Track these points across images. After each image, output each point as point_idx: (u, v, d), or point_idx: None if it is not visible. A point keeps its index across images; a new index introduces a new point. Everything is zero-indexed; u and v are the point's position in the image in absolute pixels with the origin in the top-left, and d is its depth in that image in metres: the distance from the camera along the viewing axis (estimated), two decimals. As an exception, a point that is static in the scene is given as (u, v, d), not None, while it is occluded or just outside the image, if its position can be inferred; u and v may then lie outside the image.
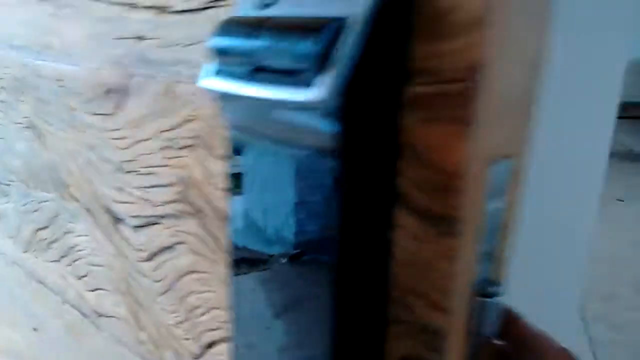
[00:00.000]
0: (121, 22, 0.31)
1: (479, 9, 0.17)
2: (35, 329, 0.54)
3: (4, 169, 0.49)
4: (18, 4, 0.40)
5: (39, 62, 0.39)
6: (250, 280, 0.23)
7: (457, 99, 0.18)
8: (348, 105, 0.17)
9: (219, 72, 0.19)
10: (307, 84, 0.16)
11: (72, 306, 0.45)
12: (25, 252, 0.50)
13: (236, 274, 0.23)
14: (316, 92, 0.16)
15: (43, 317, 0.51)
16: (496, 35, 0.17)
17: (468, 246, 0.20)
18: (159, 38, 0.28)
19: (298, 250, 0.21)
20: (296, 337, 0.22)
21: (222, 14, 0.24)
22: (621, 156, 4.31)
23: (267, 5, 0.19)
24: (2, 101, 0.46)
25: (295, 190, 0.19)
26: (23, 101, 0.43)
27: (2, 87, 0.45)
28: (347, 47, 0.16)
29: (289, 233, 0.21)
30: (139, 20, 0.29)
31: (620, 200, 3.41)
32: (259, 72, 0.18)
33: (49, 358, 0.53)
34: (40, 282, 0.49)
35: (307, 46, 0.16)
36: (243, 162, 0.21)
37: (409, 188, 0.20)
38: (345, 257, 0.20)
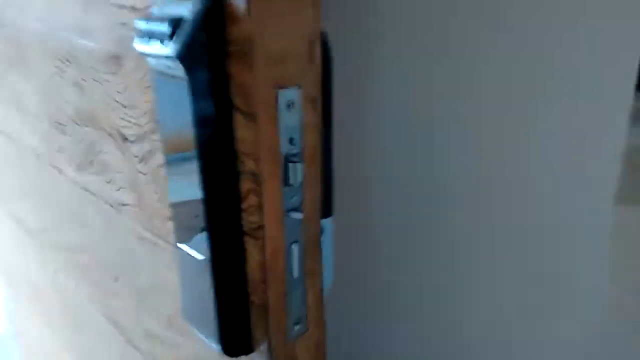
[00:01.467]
0: (116, 15, 0.52)
1: (244, 12, 0.36)
2: (87, 226, 0.78)
3: (64, 114, 0.73)
4: (66, 4, 0.62)
5: (79, 41, 0.62)
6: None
7: (244, 53, 0.37)
8: (186, 55, 0.37)
9: (139, 40, 0.40)
10: (166, 46, 0.36)
11: (106, 203, 0.68)
12: (78, 170, 0.74)
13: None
14: (169, 50, 0.36)
15: (90, 216, 0.75)
16: (254, 24, 0.36)
17: (265, 128, 0.40)
18: (133, 25, 0.49)
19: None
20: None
21: (152, 12, 0.44)
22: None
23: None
24: (59, 67, 0.69)
25: (176, 99, 0.40)
26: (70, 67, 0.66)
27: (59, 58, 0.68)
28: (183, 30, 0.36)
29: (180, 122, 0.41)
30: (124, 14, 0.50)
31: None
32: (150, 40, 0.38)
33: (97, 245, 0.77)
34: (88, 191, 0.73)
35: (166, 29, 0.36)
36: (155, 93, 0.42)
37: (236, 98, 0.40)
38: (200, 134, 0.40)
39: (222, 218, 0.43)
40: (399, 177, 0.79)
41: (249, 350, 0.48)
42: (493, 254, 0.91)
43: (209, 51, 0.38)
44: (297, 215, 0.44)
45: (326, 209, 0.51)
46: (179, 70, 0.38)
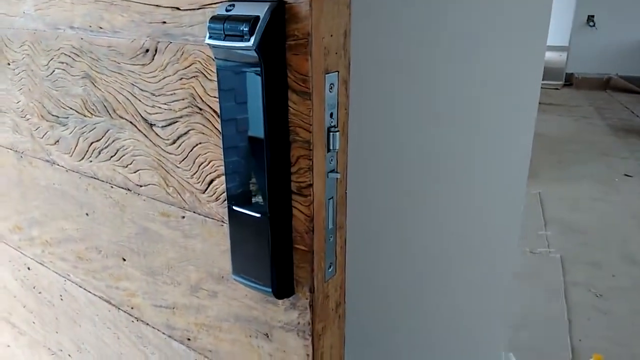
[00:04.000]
0: (152, 14, 0.59)
1: (306, 13, 0.46)
2: (87, 214, 0.82)
3: (64, 107, 0.77)
4: (78, 3, 0.67)
5: (93, 36, 0.67)
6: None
7: (302, 46, 0.48)
8: (261, 48, 0.46)
9: (210, 37, 0.48)
10: (245, 40, 0.46)
11: (119, 187, 0.74)
12: (80, 160, 0.78)
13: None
14: (249, 43, 0.45)
15: (94, 202, 0.80)
16: (313, 23, 0.47)
17: (317, 105, 0.50)
18: (174, 23, 0.57)
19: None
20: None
21: (208, 12, 0.52)
22: (631, 131, 4.71)
23: (228, 10, 0.48)
24: (63, 62, 0.73)
25: (245, 83, 0.49)
26: (80, 61, 0.71)
27: (63, 53, 0.73)
28: (259, 27, 0.46)
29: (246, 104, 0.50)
30: (163, 13, 0.58)
31: (629, 176, 3.82)
32: (226, 37, 0.47)
33: (99, 231, 0.82)
34: (93, 177, 0.77)
35: (245, 26, 0.45)
36: (221, 79, 0.50)
37: (291, 82, 0.50)
38: (269, 111, 0.50)
39: (279, 180, 0.53)
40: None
41: (292, 292, 0.58)
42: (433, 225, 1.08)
43: (277, 44, 0.47)
44: (335, 175, 0.55)
45: (342, 174, 0.62)
46: (252, 59, 0.47)
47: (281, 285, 0.57)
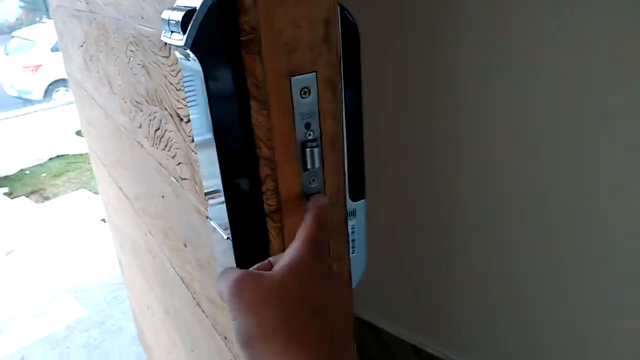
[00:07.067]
0: (163, 2, 0.55)
1: (251, 1, 0.36)
2: (162, 196, 0.85)
3: (138, 94, 0.79)
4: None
5: (140, 27, 0.66)
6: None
7: (253, 42, 0.38)
8: (198, 46, 0.38)
9: (164, 32, 0.42)
10: (181, 37, 0.38)
11: (172, 176, 0.74)
12: (152, 146, 0.80)
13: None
14: (182, 41, 0.38)
15: (164, 188, 0.82)
16: (261, 13, 0.36)
17: (277, 115, 0.40)
18: (175, 12, 0.52)
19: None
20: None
21: (181, 2, 0.46)
22: None
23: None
24: (132, 50, 0.75)
25: (197, 88, 0.42)
26: (139, 50, 0.71)
27: (130, 42, 0.74)
28: (194, 21, 0.37)
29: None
30: (170, 2, 0.53)
31: None
32: (172, 33, 0.40)
33: (170, 214, 0.84)
34: (161, 165, 0.79)
35: (179, 20, 0.38)
36: (183, 82, 0.44)
37: (250, 87, 0.41)
38: (222, 122, 0.42)
39: (239, 201, 0.45)
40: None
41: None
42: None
43: (221, 41, 0.39)
44: (317, 200, 0.44)
45: (358, 192, 0.50)
46: (195, 60, 0.39)
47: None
